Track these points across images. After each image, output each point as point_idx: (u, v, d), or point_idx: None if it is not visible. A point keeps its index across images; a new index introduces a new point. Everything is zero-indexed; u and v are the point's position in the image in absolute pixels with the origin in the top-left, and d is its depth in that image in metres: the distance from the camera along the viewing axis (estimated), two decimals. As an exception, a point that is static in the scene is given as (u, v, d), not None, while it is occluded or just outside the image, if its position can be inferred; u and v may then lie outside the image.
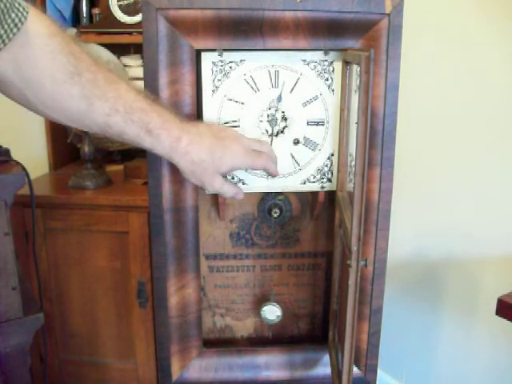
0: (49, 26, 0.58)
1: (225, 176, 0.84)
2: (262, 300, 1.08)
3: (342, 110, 0.92)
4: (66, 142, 1.72)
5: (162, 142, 0.71)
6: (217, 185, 0.80)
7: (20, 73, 0.57)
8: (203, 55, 0.88)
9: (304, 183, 0.96)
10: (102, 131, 0.67)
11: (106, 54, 1.42)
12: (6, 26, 0.52)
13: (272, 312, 1.05)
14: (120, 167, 1.67)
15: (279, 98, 0.91)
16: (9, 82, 0.59)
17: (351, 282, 0.76)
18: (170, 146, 0.72)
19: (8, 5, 0.52)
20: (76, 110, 0.62)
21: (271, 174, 0.89)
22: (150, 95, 0.73)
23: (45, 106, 0.61)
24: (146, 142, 0.70)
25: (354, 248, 0.75)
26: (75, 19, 1.78)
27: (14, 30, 0.53)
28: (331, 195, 1.00)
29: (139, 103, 0.68)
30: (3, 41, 0.53)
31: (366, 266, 0.77)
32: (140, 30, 0.87)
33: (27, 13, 0.54)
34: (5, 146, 1.12)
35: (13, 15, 0.52)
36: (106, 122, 0.65)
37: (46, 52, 0.57)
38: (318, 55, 0.90)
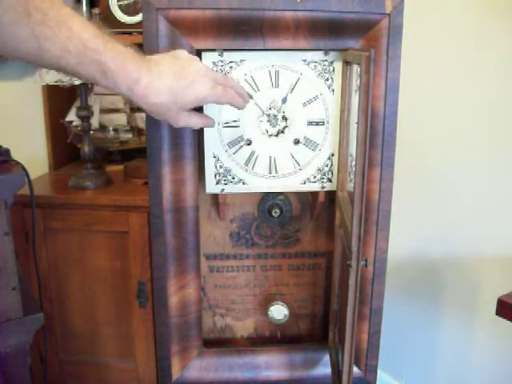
0: None
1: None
2: (262, 300, 1.08)
3: (342, 110, 0.92)
4: (66, 142, 1.73)
5: (119, 84, 0.67)
6: (182, 121, 0.76)
7: None
8: (203, 55, 0.88)
9: (304, 183, 0.97)
10: (57, 71, 0.64)
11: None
12: None
13: (279, 311, 1.05)
14: (120, 167, 1.67)
15: (284, 100, 0.91)
16: None
17: (351, 281, 0.76)
18: (128, 87, 0.68)
19: None
20: (26, 51, 0.59)
21: (238, 108, 0.83)
22: (107, 32, 0.68)
23: None
24: (103, 83, 0.66)
25: (354, 248, 0.75)
26: (75, 19, 1.78)
27: None
28: (331, 195, 1.00)
29: (93, 43, 0.63)
30: None
31: (366, 266, 0.77)
32: (140, 30, 0.87)
33: None
34: (5, 146, 1.12)
35: None
36: (58, 63, 0.61)
37: None
38: (318, 55, 0.90)
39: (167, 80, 0.71)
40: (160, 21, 0.83)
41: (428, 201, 1.47)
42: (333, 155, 0.95)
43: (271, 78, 0.90)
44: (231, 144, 0.93)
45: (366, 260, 0.77)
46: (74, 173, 1.56)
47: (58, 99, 1.76)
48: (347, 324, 0.78)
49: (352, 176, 0.84)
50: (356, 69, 0.84)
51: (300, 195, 1.03)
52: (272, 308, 1.05)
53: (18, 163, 1.07)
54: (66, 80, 1.33)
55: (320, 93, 0.92)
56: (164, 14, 0.83)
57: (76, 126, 1.67)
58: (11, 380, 1.07)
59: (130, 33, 1.61)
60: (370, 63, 0.67)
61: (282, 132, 0.93)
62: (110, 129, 1.75)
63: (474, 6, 1.29)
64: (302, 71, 0.91)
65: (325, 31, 0.86)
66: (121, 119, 1.76)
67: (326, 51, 0.90)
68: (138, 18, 1.62)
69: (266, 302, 1.07)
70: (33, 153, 1.77)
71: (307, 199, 1.04)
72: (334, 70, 0.91)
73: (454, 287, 1.44)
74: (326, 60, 0.91)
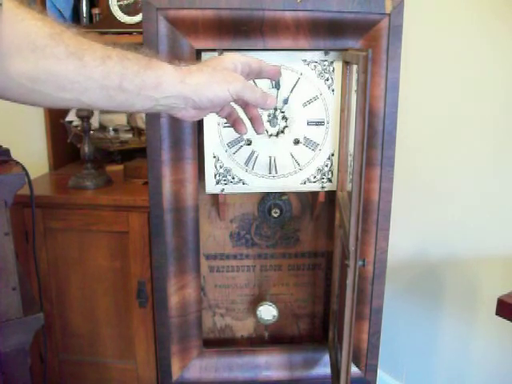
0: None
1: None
2: (262, 300, 1.08)
3: (342, 110, 0.92)
4: (66, 142, 1.72)
5: (167, 73, 0.63)
6: (241, 78, 0.67)
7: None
8: (203, 55, 0.88)
9: (304, 183, 0.96)
10: (101, 87, 0.59)
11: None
12: None
13: (268, 312, 1.05)
14: (120, 167, 1.67)
15: (286, 101, 0.91)
16: None
17: (349, 281, 0.76)
18: (180, 80, 0.63)
19: None
20: (66, 73, 0.56)
21: (269, 104, 0.69)
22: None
23: (31, 79, 0.55)
24: (149, 77, 0.61)
25: (352, 248, 0.75)
26: (75, 19, 1.78)
27: None
28: (331, 195, 1.00)
29: (129, 52, 0.62)
30: None
31: (363, 265, 0.77)
32: (140, 30, 0.87)
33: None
34: (5, 146, 1.12)
35: None
36: (103, 72, 0.58)
37: (17, 21, 0.53)
38: (318, 55, 0.90)
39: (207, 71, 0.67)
40: (160, 21, 0.83)
41: (428, 201, 1.47)
42: (333, 155, 0.95)
43: (271, 78, 0.90)
44: (231, 144, 0.93)
45: (363, 260, 0.77)
46: (74, 173, 1.56)
47: (58, 99, 1.75)
48: (345, 323, 0.77)
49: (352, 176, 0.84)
50: (355, 69, 0.84)
51: (300, 195, 1.03)
52: (261, 308, 1.04)
53: (18, 163, 1.07)
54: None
55: (320, 93, 0.92)
56: (164, 14, 0.83)
57: (76, 126, 1.67)
58: (11, 380, 1.07)
59: (130, 33, 1.61)
60: (368, 63, 0.67)
61: (282, 132, 0.93)
62: (110, 129, 1.75)
63: (474, 6, 1.29)
64: (302, 71, 0.91)
65: (325, 31, 0.86)
66: (121, 119, 1.76)
67: (326, 51, 0.90)
68: (138, 18, 1.61)
69: (263, 302, 1.07)
70: (33, 153, 1.76)
71: (307, 199, 1.04)
72: (333, 70, 0.91)
73: (454, 287, 1.44)
74: (325, 60, 0.91)
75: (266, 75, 0.72)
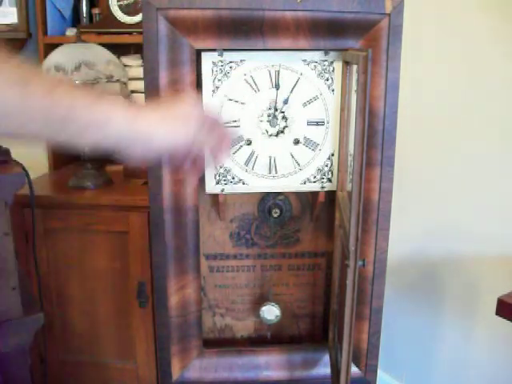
0: None
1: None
2: (262, 300, 1.08)
3: (342, 110, 0.92)
4: (66, 142, 1.72)
5: (118, 110, 0.59)
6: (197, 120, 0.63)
7: None
8: (203, 55, 0.88)
9: (304, 183, 0.97)
10: (45, 119, 0.55)
11: (106, 54, 1.42)
12: None
13: (271, 312, 1.05)
14: (120, 167, 1.67)
15: (286, 101, 0.91)
16: None
17: (349, 281, 0.76)
18: (125, 112, 0.60)
19: None
20: (8, 100, 0.52)
21: (218, 161, 0.68)
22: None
23: None
24: (99, 113, 0.58)
25: (352, 248, 0.75)
26: (75, 19, 1.78)
27: None
28: (331, 195, 1.00)
29: (80, 86, 0.59)
30: None
31: (363, 265, 0.77)
32: (140, 30, 0.87)
33: None
34: (5, 146, 1.12)
35: None
36: (49, 103, 0.54)
37: None
38: (318, 55, 0.90)
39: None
40: (160, 21, 0.83)
41: (428, 201, 1.47)
42: (333, 155, 0.95)
43: (271, 78, 0.90)
44: (231, 144, 0.93)
45: (363, 260, 0.77)
46: (74, 173, 1.56)
47: (58, 99, 1.75)
48: (345, 323, 0.78)
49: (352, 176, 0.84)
50: (355, 69, 0.84)
51: (300, 195, 1.03)
52: (264, 308, 1.04)
53: (17, 163, 1.07)
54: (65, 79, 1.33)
55: (320, 93, 0.92)
56: (164, 14, 0.83)
57: (76, 126, 1.67)
58: (11, 380, 1.07)
59: (130, 33, 1.61)
60: (368, 63, 0.67)
61: (282, 132, 0.93)
62: (110, 129, 1.75)
63: (474, 6, 1.29)
64: (302, 71, 0.91)
65: (325, 31, 0.87)
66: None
67: (326, 51, 0.90)
68: (138, 18, 1.61)
69: (266, 302, 1.07)
70: (33, 153, 1.76)
71: (307, 199, 1.04)
72: (333, 70, 0.91)
73: (454, 287, 1.44)
74: (325, 60, 0.91)
75: (213, 145, 0.65)
